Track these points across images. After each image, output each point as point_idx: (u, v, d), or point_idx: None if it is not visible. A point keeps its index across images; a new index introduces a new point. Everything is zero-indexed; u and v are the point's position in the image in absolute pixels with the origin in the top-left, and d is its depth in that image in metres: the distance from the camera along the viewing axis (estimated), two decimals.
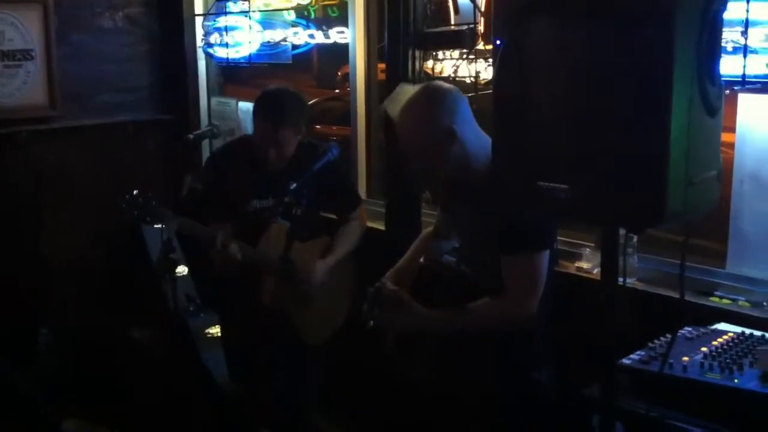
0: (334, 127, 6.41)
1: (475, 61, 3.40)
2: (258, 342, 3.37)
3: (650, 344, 2.20)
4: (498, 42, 1.82)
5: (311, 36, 4.47)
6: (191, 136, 3.46)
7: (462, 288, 2.69)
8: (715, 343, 2.17)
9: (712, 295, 2.75)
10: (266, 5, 4.71)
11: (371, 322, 2.73)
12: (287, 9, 4.59)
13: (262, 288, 3.27)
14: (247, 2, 4.70)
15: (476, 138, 2.63)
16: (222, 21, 4.92)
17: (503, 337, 2.58)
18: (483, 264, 2.65)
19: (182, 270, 4.08)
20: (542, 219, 2.54)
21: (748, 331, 2.27)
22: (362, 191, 4.27)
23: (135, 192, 3.15)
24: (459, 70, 3.50)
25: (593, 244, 3.07)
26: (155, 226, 3.13)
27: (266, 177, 3.27)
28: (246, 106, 4.93)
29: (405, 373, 2.89)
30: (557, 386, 2.68)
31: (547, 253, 2.55)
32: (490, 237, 2.57)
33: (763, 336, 2.22)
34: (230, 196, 3.31)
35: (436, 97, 2.65)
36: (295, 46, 4.59)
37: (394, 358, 2.80)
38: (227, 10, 4.87)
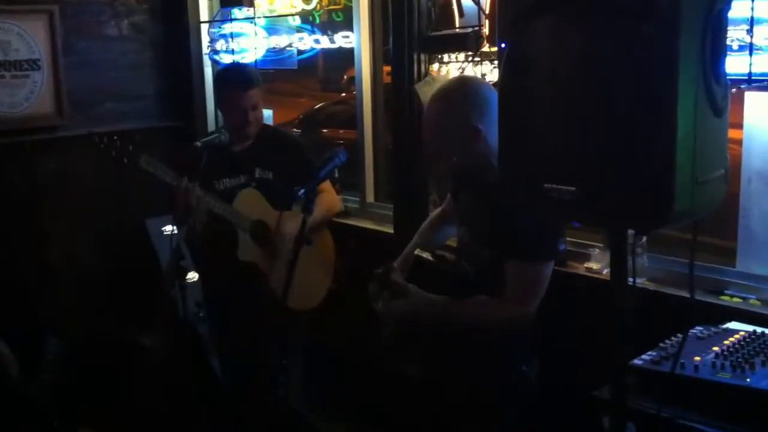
0: (341, 131, 6.43)
1: (481, 64, 3.40)
2: (237, 299, 3.53)
3: (661, 344, 2.20)
4: (502, 45, 1.82)
5: (316, 41, 4.48)
6: (199, 143, 3.46)
7: (458, 283, 2.70)
8: (726, 342, 2.17)
9: (723, 294, 2.74)
10: (271, 11, 4.72)
11: (379, 303, 2.75)
12: (292, 15, 4.60)
13: (239, 247, 3.45)
14: (252, 9, 4.71)
15: None
16: (227, 28, 4.94)
17: (497, 333, 2.60)
18: (481, 259, 2.65)
19: (192, 277, 4.09)
20: (553, 228, 2.56)
21: (759, 329, 2.27)
22: (370, 194, 4.27)
23: (115, 137, 3.48)
24: (464, 72, 3.50)
25: (602, 245, 3.07)
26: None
27: (235, 157, 3.57)
28: None
29: (398, 368, 2.87)
30: (539, 379, 2.69)
31: (552, 263, 2.56)
32: (494, 235, 2.58)
33: None
34: (206, 176, 3.46)
35: (468, 92, 2.64)
36: (300, 51, 4.61)
37: (389, 351, 2.80)
38: (232, 16, 4.89)
